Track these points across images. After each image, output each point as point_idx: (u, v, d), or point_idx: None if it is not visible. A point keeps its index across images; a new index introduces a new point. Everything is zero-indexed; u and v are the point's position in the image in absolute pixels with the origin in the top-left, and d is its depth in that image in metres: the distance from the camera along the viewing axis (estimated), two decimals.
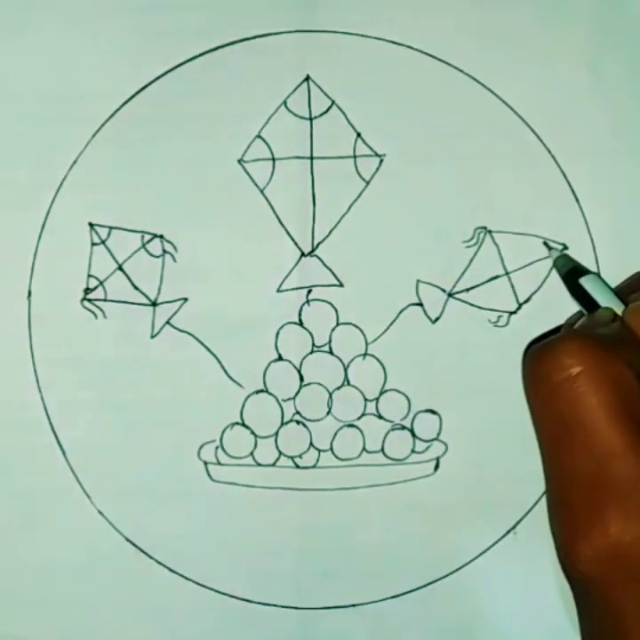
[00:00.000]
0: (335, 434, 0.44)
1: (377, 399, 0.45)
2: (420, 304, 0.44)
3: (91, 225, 0.44)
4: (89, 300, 0.44)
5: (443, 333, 0.44)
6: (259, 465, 0.44)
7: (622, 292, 0.41)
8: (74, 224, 0.44)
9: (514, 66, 0.44)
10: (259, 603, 0.44)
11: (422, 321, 0.44)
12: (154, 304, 0.44)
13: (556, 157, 0.44)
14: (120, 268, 0.44)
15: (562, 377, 0.34)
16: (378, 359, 0.44)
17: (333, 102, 0.44)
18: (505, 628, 0.45)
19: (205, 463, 0.44)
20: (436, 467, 0.44)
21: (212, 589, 0.44)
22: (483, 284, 0.44)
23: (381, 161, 0.44)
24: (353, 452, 0.44)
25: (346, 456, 0.44)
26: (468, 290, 0.44)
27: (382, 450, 0.44)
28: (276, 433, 0.44)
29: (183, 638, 0.45)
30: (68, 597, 0.44)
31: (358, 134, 0.44)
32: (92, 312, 0.44)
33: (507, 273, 0.44)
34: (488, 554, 0.44)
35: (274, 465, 0.44)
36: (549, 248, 0.44)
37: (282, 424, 0.44)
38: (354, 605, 0.44)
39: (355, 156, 0.44)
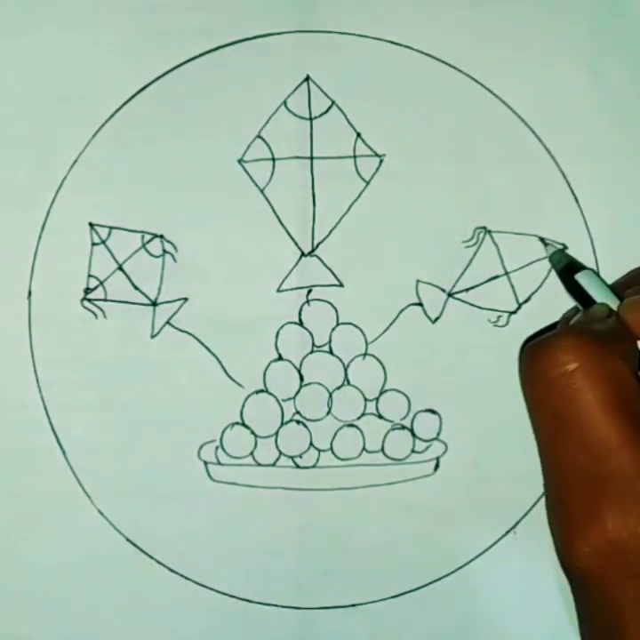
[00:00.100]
0: (335, 434, 0.44)
1: (377, 399, 0.45)
2: (420, 304, 0.44)
3: (91, 225, 0.44)
4: (89, 300, 0.44)
5: (443, 333, 0.44)
6: (259, 465, 0.44)
7: (618, 288, 0.40)
8: (74, 224, 0.44)
9: (513, 66, 0.44)
10: (259, 603, 0.44)
11: (422, 321, 0.44)
12: (154, 304, 0.44)
13: (556, 157, 0.44)
14: (120, 268, 0.44)
15: (558, 373, 0.34)
16: (378, 359, 0.44)
17: (333, 102, 0.44)
18: (505, 628, 0.45)
19: (205, 463, 0.44)
20: (436, 466, 0.44)
21: (212, 589, 0.44)
22: (482, 283, 0.44)
23: (381, 161, 0.44)
24: (353, 451, 0.44)
25: (346, 456, 0.44)
26: (467, 290, 0.44)
27: (382, 450, 0.44)
28: (276, 433, 0.44)
29: (183, 638, 0.44)
30: (68, 597, 0.44)
31: (358, 134, 0.44)
32: (92, 312, 0.44)
33: (506, 273, 0.44)
34: (488, 554, 0.44)
35: (274, 465, 0.44)
36: (546, 244, 0.44)
37: (282, 424, 0.44)
38: (354, 605, 0.44)
39: (355, 156, 0.44)
